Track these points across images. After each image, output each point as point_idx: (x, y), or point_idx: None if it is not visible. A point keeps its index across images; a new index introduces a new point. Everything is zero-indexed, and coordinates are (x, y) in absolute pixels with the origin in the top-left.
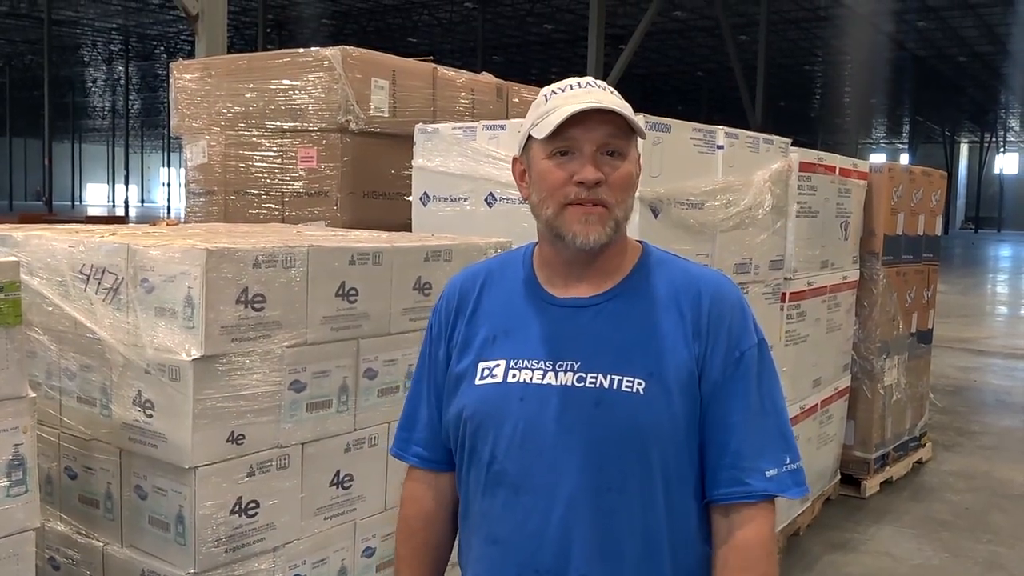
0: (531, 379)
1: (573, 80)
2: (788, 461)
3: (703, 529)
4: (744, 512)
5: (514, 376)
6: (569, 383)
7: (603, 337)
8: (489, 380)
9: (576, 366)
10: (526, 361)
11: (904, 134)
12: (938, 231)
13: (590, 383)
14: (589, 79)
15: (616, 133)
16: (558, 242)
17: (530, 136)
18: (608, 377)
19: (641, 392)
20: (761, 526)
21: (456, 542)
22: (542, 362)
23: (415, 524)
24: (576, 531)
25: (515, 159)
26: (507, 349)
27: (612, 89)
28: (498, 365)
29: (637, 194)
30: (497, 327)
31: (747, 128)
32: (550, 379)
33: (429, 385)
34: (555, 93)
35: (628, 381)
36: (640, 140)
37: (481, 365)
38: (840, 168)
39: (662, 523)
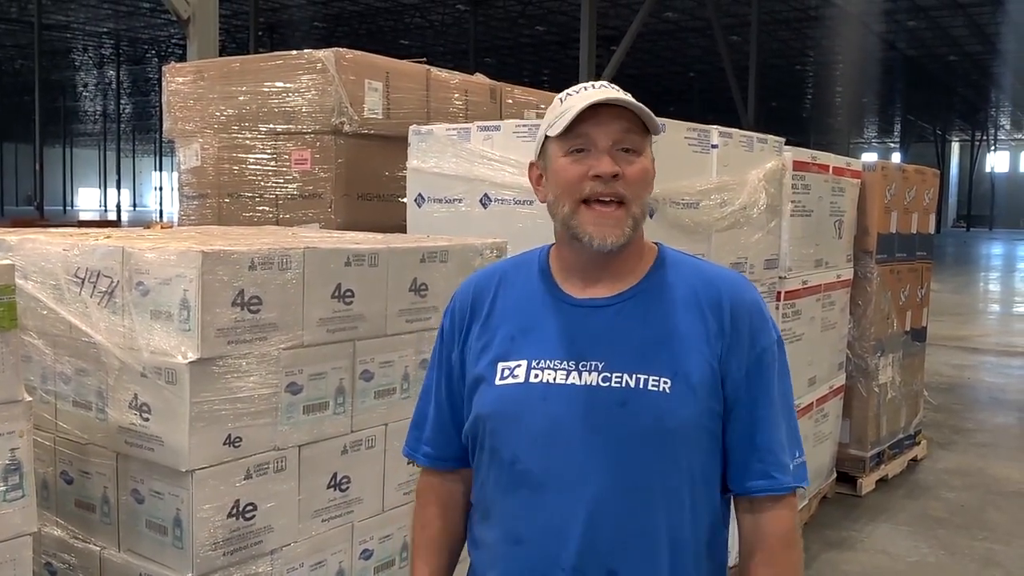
0: (554, 379)
1: (587, 83)
2: (798, 455)
3: (724, 526)
4: (771, 504)
5: (536, 376)
6: (594, 383)
7: (625, 336)
8: (510, 380)
9: (600, 366)
10: (548, 361)
11: (895, 133)
12: (931, 229)
13: (615, 383)
14: (603, 82)
15: (630, 129)
16: (575, 243)
17: (547, 137)
18: (634, 376)
19: (667, 391)
20: (788, 517)
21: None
22: (564, 362)
23: (428, 516)
24: (602, 530)
25: (531, 164)
26: (528, 349)
27: (626, 92)
28: (519, 365)
29: None
30: (515, 327)
31: (739, 128)
32: (574, 379)
33: (439, 385)
34: (570, 95)
35: (654, 380)
36: (654, 138)
37: (501, 365)
38: (834, 167)
39: (687, 521)
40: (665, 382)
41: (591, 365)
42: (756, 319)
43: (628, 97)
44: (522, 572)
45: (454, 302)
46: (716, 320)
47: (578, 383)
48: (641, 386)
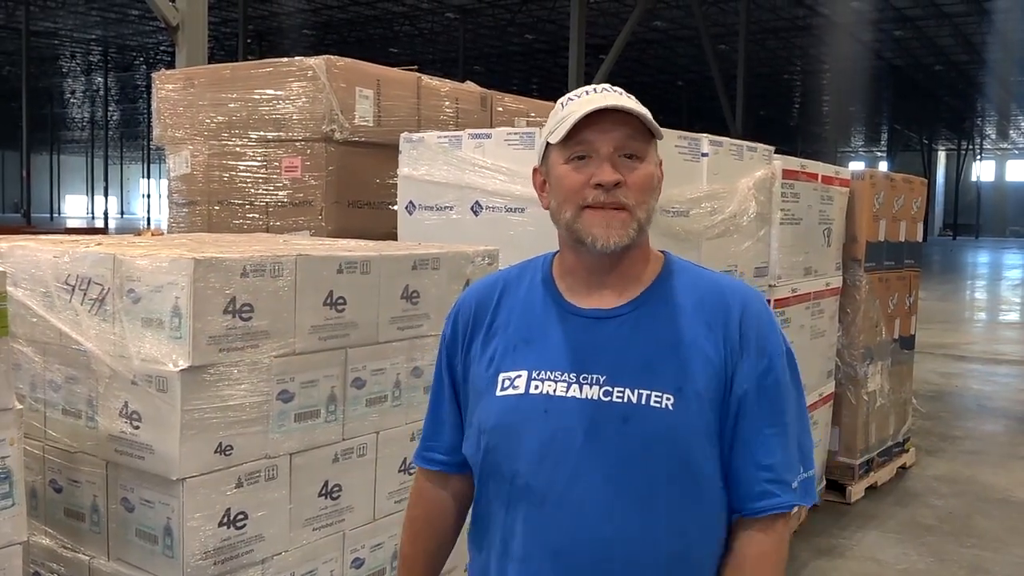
0: (555, 391)
1: (589, 87)
2: (803, 470)
3: (723, 539)
4: (766, 522)
5: (537, 388)
6: (595, 397)
7: (628, 349)
8: (510, 391)
9: (602, 380)
10: (549, 372)
11: (882, 142)
12: (919, 237)
13: (617, 398)
14: (605, 85)
15: (633, 135)
16: (579, 247)
17: (548, 144)
18: (636, 392)
19: (670, 408)
20: (780, 535)
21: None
22: (566, 374)
23: (420, 524)
24: (604, 549)
25: (535, 170)
26: (528, 359)
27: (629, 95)
28: (519, 376)
29: None
30: (516, 336)
31: (727, 137)
32: (575, 392)
33: (449, 391)
34: (571, 100)
35: (657, 396)
36: (658, 142)
37: (501, 376)
38: (822, 175)
39: (694, 539)
40: (668, 398)
41: (593, 378)
42: (764, 331)
43: (631, 102)
44: None
45: (457, 310)
46: (724, 332)
47: (579, 396)
48: (644, 402)
